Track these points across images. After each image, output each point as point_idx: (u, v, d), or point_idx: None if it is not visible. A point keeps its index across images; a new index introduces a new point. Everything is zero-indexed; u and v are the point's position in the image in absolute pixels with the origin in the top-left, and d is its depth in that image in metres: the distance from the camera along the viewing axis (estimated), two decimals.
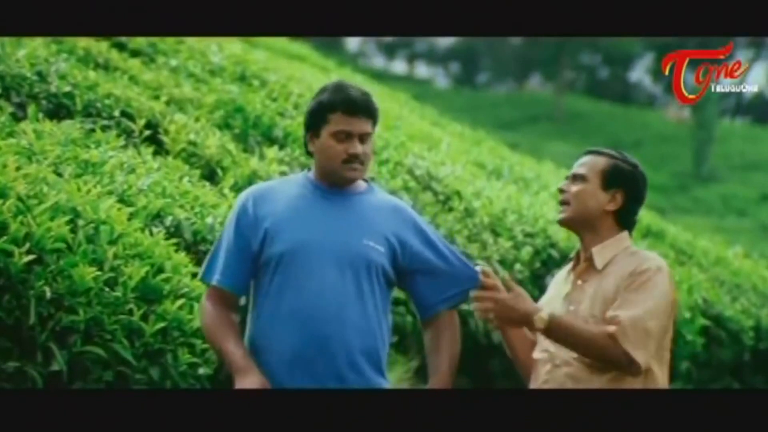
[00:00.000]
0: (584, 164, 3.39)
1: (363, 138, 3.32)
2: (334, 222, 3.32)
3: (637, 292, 3.23)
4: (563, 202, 3.40)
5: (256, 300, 3.35)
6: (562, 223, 3.43)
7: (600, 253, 3.35)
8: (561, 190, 3.41)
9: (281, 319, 3.27)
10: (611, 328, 3.17)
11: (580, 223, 3.39)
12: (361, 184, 3.41)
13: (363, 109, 3.32)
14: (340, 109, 3.30)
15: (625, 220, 3.39)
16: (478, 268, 3.38)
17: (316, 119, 3.33)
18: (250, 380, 3.16)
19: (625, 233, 3.39)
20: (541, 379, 3.37)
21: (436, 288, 3.41)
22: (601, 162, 3.39)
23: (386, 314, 3.38)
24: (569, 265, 3.46)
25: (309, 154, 3.40)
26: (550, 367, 3.35)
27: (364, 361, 3.30)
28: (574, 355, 3.28)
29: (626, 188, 3.37)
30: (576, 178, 3.38)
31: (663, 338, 3.25)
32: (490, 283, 3.34)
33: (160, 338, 3.64)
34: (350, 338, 3.27)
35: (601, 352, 3.19)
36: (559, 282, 3.47)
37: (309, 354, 3.25)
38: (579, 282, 3.37)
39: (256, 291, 3.34)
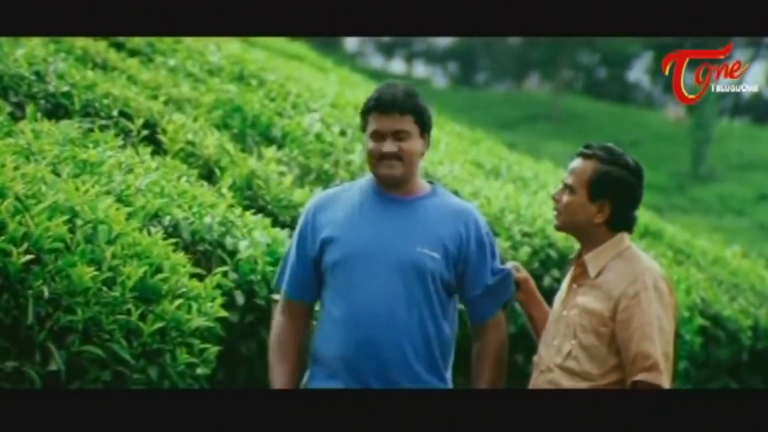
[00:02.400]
0: (573, 172, 3.35)
1: (397, 135, 3.33)
2: (388, 229, 3.34)
3: (634, 323, 3.20)
4: (556, 210, 3.40)
5: (321, 305, 3.46)
6: (557, 229, 3.45)
7: (592, 261, 3.33)
8: (554, 199, 3.40)
9: (333, 325, 3.34)
10: (644, 382, 3.18)
11: (572, 232, 3.39)
12: (423, 187, 3.43)
13: (390, 105, 3.33)
14: (374, 110, 3.35)
15: (618, 225, 3.34)
16: (509, 265, 3.45)
17: (362, 124, 3.41)
18: None
19: (621, 236, 3.34)
20: (531, 383, 3.39)
21: (486, 298, 3.43)
22: (588, 170, 3.32)
23: (446, 318, 3.38)
24: (573, 265, 3.46)
25: None
26: (537, 372, 3.36)
27: (417, 364, 3.32)
28: (558, 361, 3.28)
29: (615, 197, 3.30)
30: (565, 187, 3.36)
31: (671, 345, 3.25)
32: (522, 277, 3.42)
33: (158, 338, 3.64)
34: (400, 343, 3.30)
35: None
36: (564, 283, 3.48)
37: (356, 358, 3.29)
38: (574, 286, 3.38)
39: (322, 297, 3.44)
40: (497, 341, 3.43)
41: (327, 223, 3.38)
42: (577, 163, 3.36)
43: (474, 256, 3.38)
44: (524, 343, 3.57)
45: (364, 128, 3.40)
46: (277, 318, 3.48)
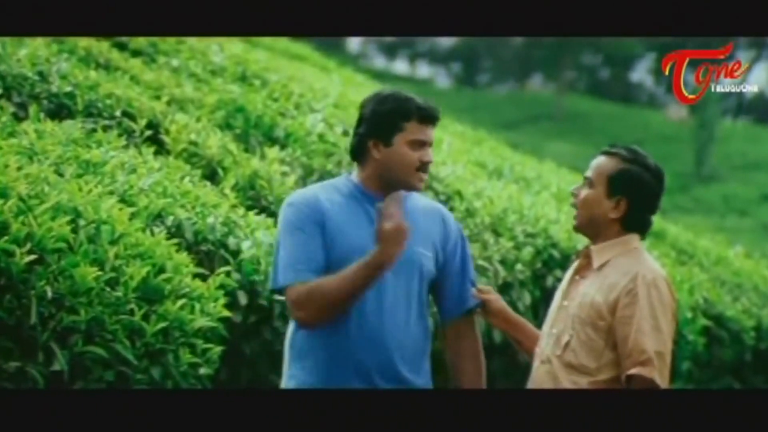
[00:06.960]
0: (594, 167, 3.39)
1: (431, 146, 3.34)
2: None
3: (632, 319, 3.21)
4: (574, 207, 3.42)
5: None
6: (575, 230, 3.46)
7: (598, 253, 3.35)
8: (573, 194, 3.42)
9: (334, 323, 3.26)
10: (638, 376, 3.19)
11: (588, 230, 3.40)
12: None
13: (436, 118, 3.34)
14: (416, 118, 3.30)
15: (631, 225, 3.35)
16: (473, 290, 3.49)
17: (387, 126, 3.30)
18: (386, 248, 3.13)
19: (631, 236, 3.36)
20: (531, 373, 3.42)
21: (458, 293, 3.45)
22: (608, 166, 3.35)
23: (427, 317, 3.41)
24: (578, 259, 3.48)
25: (356, 159, 3.37)
26: (538, 363, 3.39)
27: (417, 363, 3.34)
28: (557, 352, 3.30)
29: (632, 195, 3.32)
30: (585, 181, 3.39)
31: (667, 346, 3.26)
32: (484, 299, 3.48)
33: (161, 338, 3.65)
34: (405, 343, 3.29)
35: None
36: (567, 274, 3.50)
37: (366, 359, 3.26)
38: (577, 277, 3.40)
39: None
40: (477, 337, 3.49)
41: (325, 217, 3.29)
42: (599, 159, 3.40)
43: (451, 259, 3.43)
44: None
45: (386, 133, 3.30)
46: (305, 292, 3.21)
